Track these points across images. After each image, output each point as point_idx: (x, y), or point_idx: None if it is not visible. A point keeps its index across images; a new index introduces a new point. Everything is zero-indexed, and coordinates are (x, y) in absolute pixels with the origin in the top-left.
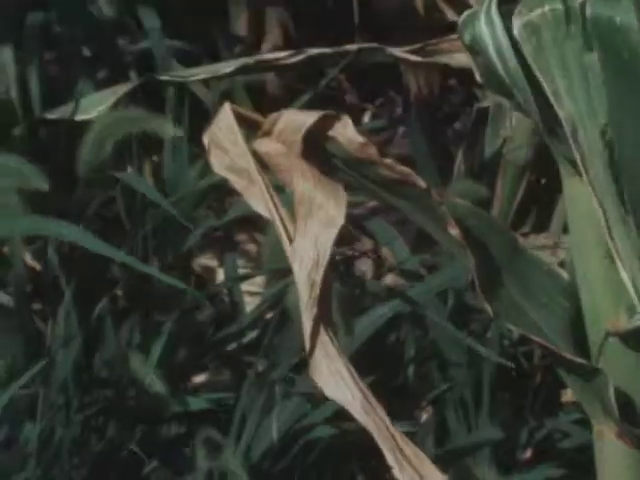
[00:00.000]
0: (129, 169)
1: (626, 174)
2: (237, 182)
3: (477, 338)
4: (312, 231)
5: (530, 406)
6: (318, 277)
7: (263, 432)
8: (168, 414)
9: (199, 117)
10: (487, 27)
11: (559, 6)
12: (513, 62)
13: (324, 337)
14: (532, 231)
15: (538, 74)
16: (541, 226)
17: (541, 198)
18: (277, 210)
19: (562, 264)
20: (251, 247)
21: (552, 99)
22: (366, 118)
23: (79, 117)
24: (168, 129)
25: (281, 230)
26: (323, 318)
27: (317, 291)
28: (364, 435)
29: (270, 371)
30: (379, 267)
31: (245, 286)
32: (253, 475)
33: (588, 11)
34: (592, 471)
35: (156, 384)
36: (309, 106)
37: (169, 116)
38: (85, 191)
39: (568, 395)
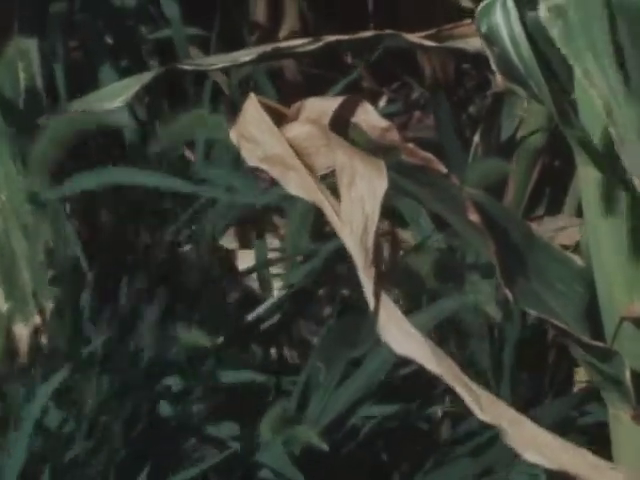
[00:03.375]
0: None
1: None
2: (272, 170)
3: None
4: (357, 198)
5: (548, 384)
6: (370, 241)
7: (330, 405)
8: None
9: (218, 103)
10: (503, 17)
11: None
12: (528, 52)
13: (385, 298)
14: (546, 213)
15: (567, 55)
16: (555, 208)
17: (555, 180)
18: (319, 188)
19: (577, 247)
20: (271, 233)
21: (583, 79)
22: (382, 102)
23: (104, 106)
24: (224, 130)
25: (326, 205)
26: (380, 280)
27: (371, 255)
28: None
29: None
30: (395, 248)
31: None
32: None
33: None
34: (608, 447)
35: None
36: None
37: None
38: None
39: (580, 374)
